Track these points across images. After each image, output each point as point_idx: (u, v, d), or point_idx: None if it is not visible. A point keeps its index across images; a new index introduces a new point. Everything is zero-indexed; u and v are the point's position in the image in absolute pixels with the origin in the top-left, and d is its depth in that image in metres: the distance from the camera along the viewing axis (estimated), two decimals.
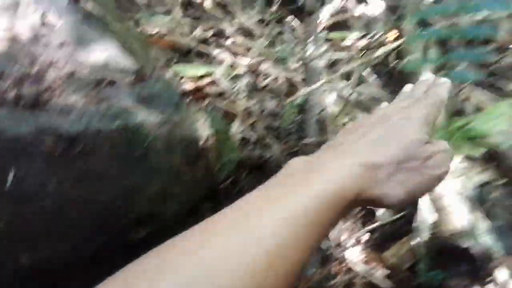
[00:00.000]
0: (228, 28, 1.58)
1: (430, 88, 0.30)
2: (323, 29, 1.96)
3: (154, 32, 1.44)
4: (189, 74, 1.23)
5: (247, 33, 1.67)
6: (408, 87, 0.34)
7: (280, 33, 1.79)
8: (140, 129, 0.67)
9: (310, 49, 1.38)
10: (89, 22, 0.72)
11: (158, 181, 0.72)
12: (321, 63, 1.34)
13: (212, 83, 1.23)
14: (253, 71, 1.32)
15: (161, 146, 0.71)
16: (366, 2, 2.12)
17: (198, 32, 1.47)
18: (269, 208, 0.22)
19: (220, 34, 1.59)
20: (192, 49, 1.36)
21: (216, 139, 0.88)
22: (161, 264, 0.18)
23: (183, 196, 0.80)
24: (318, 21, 1.96)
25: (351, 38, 1.81)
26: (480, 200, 0.92)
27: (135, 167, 0.68)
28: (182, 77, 1.22)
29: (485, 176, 0.91)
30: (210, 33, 1.54)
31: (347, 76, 1.50)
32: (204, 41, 1.44)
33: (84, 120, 0.61)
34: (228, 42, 1.55)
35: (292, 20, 1.93)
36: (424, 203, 0.90)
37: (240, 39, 1.58)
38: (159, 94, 0.78)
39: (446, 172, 0.27)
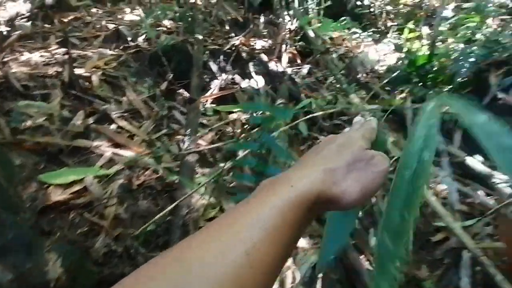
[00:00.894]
0: (114, 111, 1.61)
1: (363, 123, 0.40)
2: (212, 101, 2.13)
3: (25, 127, 1.41)
4: (57, 182, 1.23)
5: (135, 113, 1.71)
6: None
7: (170, 108, 1.88)
8: None
9: (186, 143, 1.49)
10: None
11: None
12: (194, 158, 1.45)
13: (84, 189, 1.26)
14: (130, 167, 1.38)
15: None
16: (251, 77, 2.37)
17: (77, 119, 1.46)
18: (244, 216, 0.27)
19: (104, 119, 1.61)
20: (63, 149, 1.35)
21: (69, 274, 0.94)
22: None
23: None
24: (208, 94, 2.13)
25: (237, 111, 2.01)
26: None
27: None
28: (49, 186, 1.22)
29: None
30: (91, 120, 1.53)
31: (226, 157, 1.65)
32: (85, 130, 1.44)
33: None
34: (112, 127, 1.58)
35: (182, 95, 2.06)
36: None
37: (125, 123, 1.61)
38: (11, 244, 0.83)
39: (387, 168, 0.34)
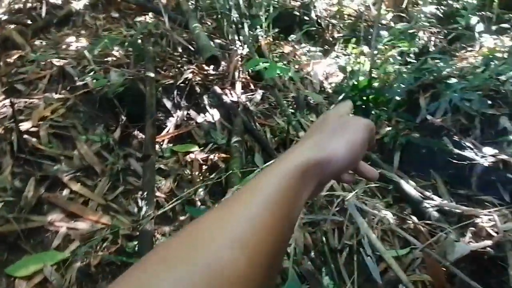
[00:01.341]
0: (66, 172, 1.57)
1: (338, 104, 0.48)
2: (169, 140, 2.15)
3: None
4: (20, 275, 1.18)
5: (88, 170, 1.66)
6: None
7: (126, 156, 1.86)
8: None
9: (144, 209, 1.47)
10: None
11: None
12: (151, 226, 1.39)
13: (45, 280, 1.20)
14: (89, 238, 1.34)
15: None
16: (207, 111, 2.43)
17: (29, 190, 1.41)
18: (248, 191, 0.30)
19: (56, 184, 1.53)
20: (20, 234, 1.28)
21: None
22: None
23: None
24: (164, 133, 2.14)
25: (194, 151, 2.05)
26: None
27: None
28: (15, 278, 1.19)
29: None
30: (43, 189, 1.47)
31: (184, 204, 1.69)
32: (37, 202, 1.38)
33: None
34: (65, 193, 1.51)
35: (137, 138, 2.05)
36: None
37: (78, 186, 1.54)
38: None
39: (365, 122, 0.39)
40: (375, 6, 4.72)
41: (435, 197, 1.85)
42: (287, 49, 4.30)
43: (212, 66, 2.49)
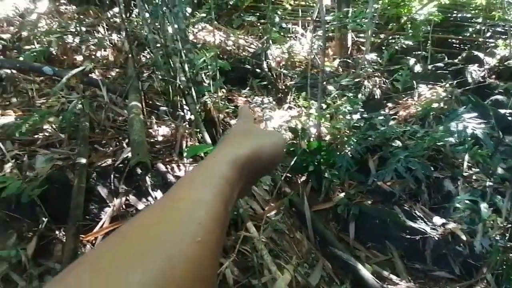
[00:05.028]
0: None
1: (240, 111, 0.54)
2: (103, 237, 1.91)
3: None
4: None
5: None
6: None
7: (42, 275, 1.58)
8: None
9: None
10: None
11: None
12: None
13: None
14: None
15: None
16: (149, 195, 2.24)
17: None
18: (186, 185, 0.30)
19: None
20: None
21: None
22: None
23: None
24: (96, 230, 1.90)
25: None
26: None
27: None
28: None
29: None
30: None
31: None
32: None
33: None
34: None
35: (61, 242, 1.79)
36: None
37: None
38: None
39: (282, 135, 0.43)
40: (318, 56, 4.94)
41: (393, 277, 1.77)
42: (240, 102, 4.30)
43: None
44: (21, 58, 3.31)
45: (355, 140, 2.49)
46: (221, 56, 4.66)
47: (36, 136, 2.52)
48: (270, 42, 5.18)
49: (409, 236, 1.88)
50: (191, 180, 0.30)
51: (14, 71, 3.27)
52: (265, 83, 4.75)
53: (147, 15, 2.98)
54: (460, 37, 6.52)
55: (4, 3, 4.34)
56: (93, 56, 4.07)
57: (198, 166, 0.33)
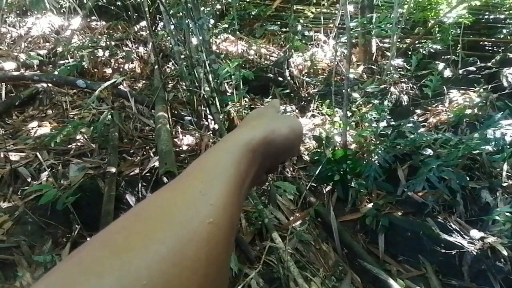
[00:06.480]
0: None
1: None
2: None
3: None
4: None
5: None
6: None
7: None
8: None
9: None
10: None
11: None
12: None
13: None
14: None
15: None
16: None
17: None
18: (198, 169, 0.30)
19: None
20: None
21: None
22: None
23: None
24: None
25: None
26: None
27: None
28: None
29: None
30: None
31: None
32: None
33: None
34: None
35: None
36: None
37: None
38: None
39: (299, 120, 0.44)
40: (342, 63, 4.88)
41: None
42: None
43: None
44: (56, 72, 3.50)
45: (383, 149, 2.40)
46: (243, 65, 4.71)
47: (69, 146, 2.64)
48: (292, 50, 5.18)
49: (444, 250, 1.77)
50: (204, 163, 0.30)
51: (50, 85, 3.46)
52: (287, 91, 4.73)
53: (172, 27, 3.07)
54: (493, 39, 6.22)
55: (41, 21, 4.64)
56: (121, 69, 4.24)
57: (211, 149, 0.33)
